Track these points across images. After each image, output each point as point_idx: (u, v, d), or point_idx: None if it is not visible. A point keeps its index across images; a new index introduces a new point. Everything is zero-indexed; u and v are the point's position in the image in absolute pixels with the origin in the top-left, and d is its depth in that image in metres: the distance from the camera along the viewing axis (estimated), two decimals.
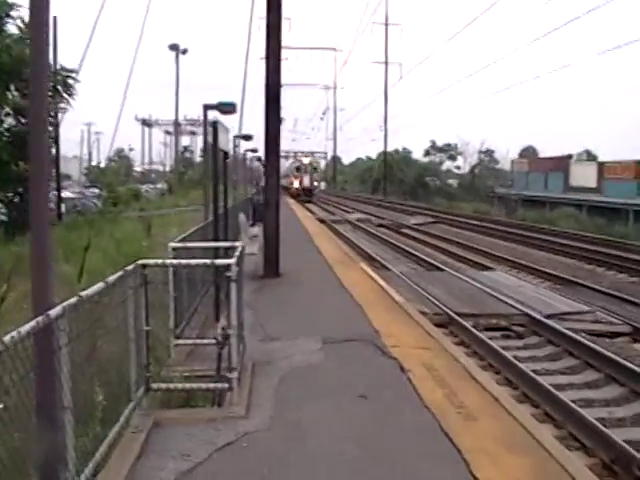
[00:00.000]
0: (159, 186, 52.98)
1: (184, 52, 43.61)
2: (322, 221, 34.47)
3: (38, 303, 4.36)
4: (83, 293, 4.64)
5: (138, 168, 74.88)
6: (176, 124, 45.63)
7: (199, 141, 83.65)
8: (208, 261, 6.76)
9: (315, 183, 68.52)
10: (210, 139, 11.57)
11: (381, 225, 35.13)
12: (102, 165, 48.01)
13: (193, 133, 78.94)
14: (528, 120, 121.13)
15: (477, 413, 6.18)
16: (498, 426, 5.91)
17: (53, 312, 4.08)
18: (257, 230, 21.02)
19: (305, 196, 62.99)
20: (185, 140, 77.98)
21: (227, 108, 14.67)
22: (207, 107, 15.35)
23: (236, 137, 22.17)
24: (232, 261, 6.49)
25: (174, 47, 42.39)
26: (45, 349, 4.06)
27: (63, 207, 26.50)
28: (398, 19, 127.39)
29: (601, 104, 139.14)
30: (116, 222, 23.21)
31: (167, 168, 76.65)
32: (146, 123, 74.76)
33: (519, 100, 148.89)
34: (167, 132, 78.10)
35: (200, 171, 59.06)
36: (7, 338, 3.42)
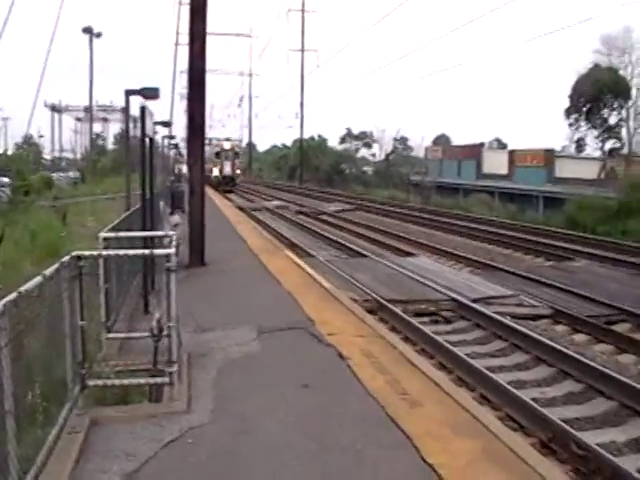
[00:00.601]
0: (71, 174, 51.15)
1: (98, 35, 42.20)
2: (241, 209, 34.15)
3: None
4: (22, 288, 4.38)
5: (47, 156, 72.32)
6: (90, 109, 43.98)
7: (111, 128, 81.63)
8: (147, 251, 6.52)
9: (237, 171, 61.37)
10: (132, 125, 11.22)
11: (300, 212, 35.08)
12: (9, 152, 46.08)
13: (105, 120, 76.72)
14: (441, 109, 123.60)
15: (421, 399, 6.21)
16: (443, 411, 5.95)
17: None
18: (178, 218, 20.66)
19: (226, 185, 57.44)
20: (97, 127, 75.86)
21: (150, 93, 14.23)
22: (129, 92, 14.86)
23: (155, 123, 21.61)
24: (172, 251, 6.29)
25: (88, 30, 40.88)
26: None
27: None
28: (315, 6, 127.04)
29: (511, 94, 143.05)
30: (29, 212, 22.28)
31: (78, 156, 74.36)
32: (56, 109, 72.08)
33: (432, 89, 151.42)
34: (78, 119, 75.60)
35: (115, 158, 57.60)
36: None
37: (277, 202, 41.50)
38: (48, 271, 5.07)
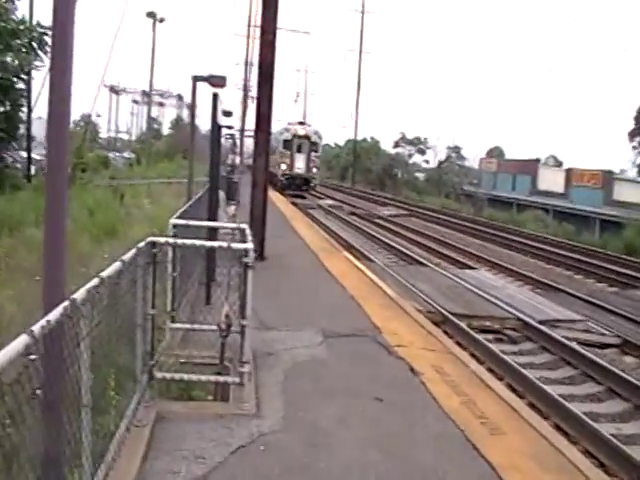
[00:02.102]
0: (125, 155, 51.49)
1: (161, 21, 42.23)
2: (295, 204, 33.95)
3: (51, 292, 3.82)
4: (103, 274, 4.11)
5: (104, 135, 73.26)
6: (150, 92, 44.05)
7: (167, 113, 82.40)
8: (224, 244, 6.22)
9: (314, 169, 43.85)
10: (210, 112, 10.97)
11: (353, 213, 34.70)
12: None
13: (161, 104, 77.46)
14: (497, 121, 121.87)
15: (500, 425, 5.82)
16: (525, 440, 5.56)
17: (78, 296, 3.54)
18: (234, 209, 20.44)
19: (297, 188, 42.18)
20: (153, 111, 76.59)
21: (217, 81, 14.08)
22: (197, 79, 14.74)
23: None
24: (250, 246, 5.99)
25: (151, 15, 40.95)
26: (61, 339, 3.46)
27: (33, 169, 25.39)
28: (374, 7, 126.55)
29: (570, 111, 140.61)
30: (86, 189, 22.38)
31: (133, 137, 75.17)
32: (114, 90, 72.99)
33: (490, 100, 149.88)
34: (135, 101, 76.54)
35: (169, 143, 57.78)
36: (36, 328, 2.87)
37: (330, 201, 40.92)
38: (127, 256, 4.81)
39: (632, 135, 50.62)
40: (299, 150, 42.44)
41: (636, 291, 17.87)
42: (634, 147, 50.91)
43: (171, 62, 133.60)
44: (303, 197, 40.92)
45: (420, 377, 6.92)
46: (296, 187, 42.05)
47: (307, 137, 43.13)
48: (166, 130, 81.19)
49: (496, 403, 6.44)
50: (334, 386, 6.53)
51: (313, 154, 43.17)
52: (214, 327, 6.60)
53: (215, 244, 6.86)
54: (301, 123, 46.31)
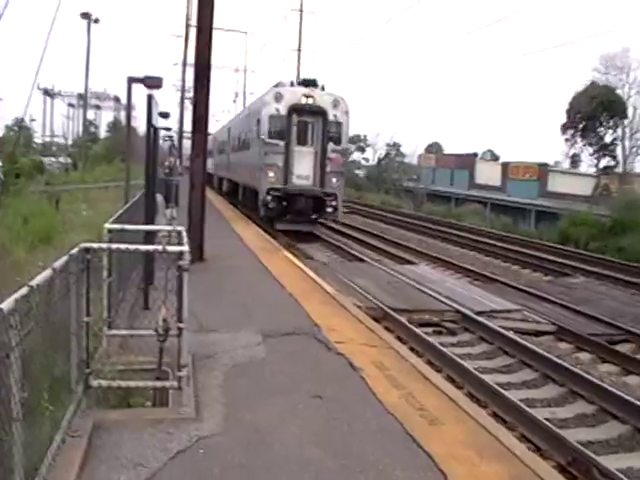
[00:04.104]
0: (61, 159, 50.25)
1: (96, 21, 41.28)
2: (234, 204, 33.65)
3: None
4: (33, 282, 4.03)
5: (38, 140, 71.36)
6: (86, 95, 43.01)
7: (104, 115, 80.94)
8: (159, 247, 6.16)
9: (334, 179, 22.11)
10: (142, 114, 10.83)
11: None
12: (0, 134, 45.12)
13: (98, 107, 75.96)
14: (434, 117, 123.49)
15: (439, 416, 5.92)
16: (463, 430, 5.67)
17: (5, 306, 3.47)
18: (173, 212, 20.22)
19: (301, 219, 22.46)
20: (89, 114, 74.98)
21: (153, 82, 13.90)
22: (132, 80, 14.53)
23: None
24: (185, 248, 5.95)
25: (86, 15, 40.04)
26: None
27: None
28: (315, 8, 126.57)
29: (505, 107, 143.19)
30: (20, 196, 21.81)
31: (69, 141, 73.45)
32: (48, 93, 71.23)
33: (427, 97, 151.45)
34: (70, 104, 74.74)
35: (107, 146, 56.77)
36: None
37: None
38: (58, 264, 4.74)
39: (564, 128, 51.81)
40: (303, 139, 22.15)
41: (570, 279, 18.40)
42: (567, 139, 52.16)
43: (107, 64, 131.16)
44: (312, 235, 23.18)
45: (360, 373, 6.99)
46: (297, 216, 22.24)
47: (320, 111, 22.09)
48: (103, 133, 79.83)
49: (435, 395, 6.55)
50: (274, 385, 6.54)
51: (332, 147, 22.30)
52: (152, 332, 6.53)
53: (150, 247, 6.79)
54: (306, 83, 23.16)
